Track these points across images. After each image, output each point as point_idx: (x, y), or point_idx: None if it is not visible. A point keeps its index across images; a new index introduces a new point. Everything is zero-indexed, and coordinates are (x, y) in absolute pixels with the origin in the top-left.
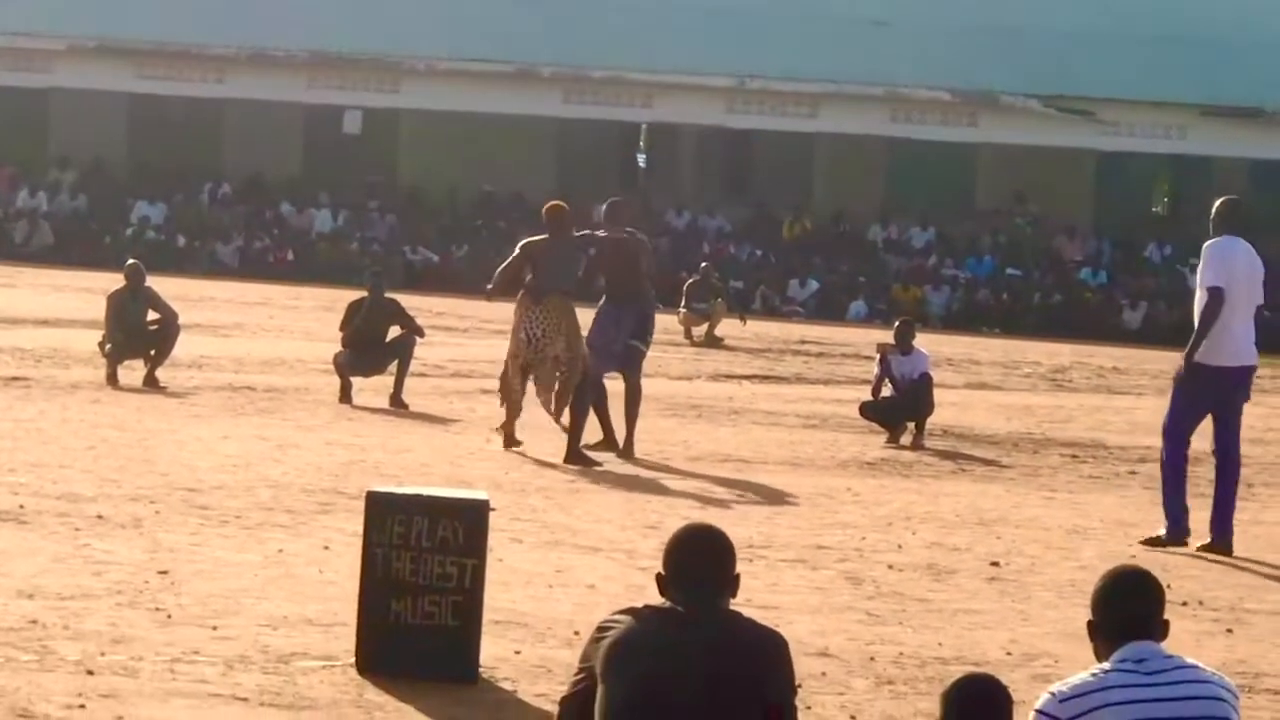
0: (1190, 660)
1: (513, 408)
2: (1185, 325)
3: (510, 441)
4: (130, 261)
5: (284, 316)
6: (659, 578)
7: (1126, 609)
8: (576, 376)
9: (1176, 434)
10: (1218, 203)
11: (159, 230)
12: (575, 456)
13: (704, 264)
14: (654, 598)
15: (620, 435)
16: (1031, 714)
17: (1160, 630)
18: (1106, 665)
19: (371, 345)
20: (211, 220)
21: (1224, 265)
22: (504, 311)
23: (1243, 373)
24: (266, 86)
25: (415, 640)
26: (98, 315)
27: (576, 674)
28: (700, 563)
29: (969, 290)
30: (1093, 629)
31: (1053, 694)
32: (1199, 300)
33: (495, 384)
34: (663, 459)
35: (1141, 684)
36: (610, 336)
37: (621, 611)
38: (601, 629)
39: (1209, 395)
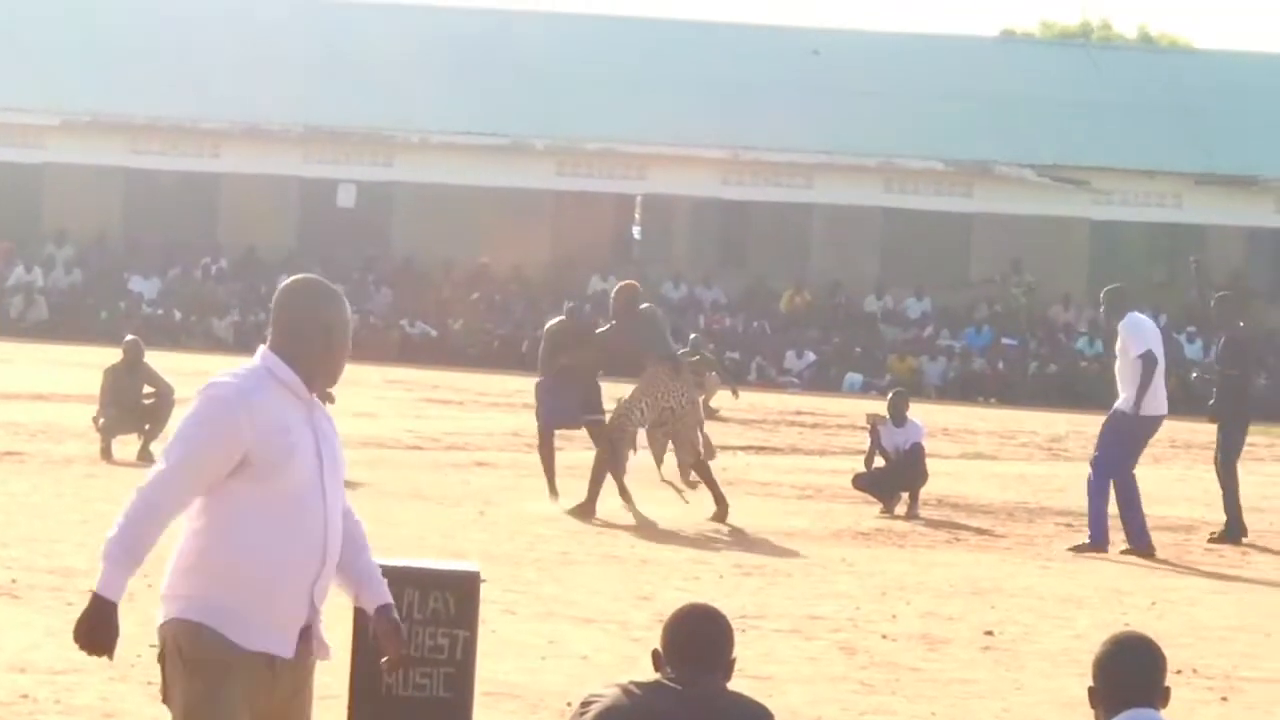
0: None
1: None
2: (1178, 395)
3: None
4: (129, 337)
5: None
6: (655, 654)
7: (1128, 675)
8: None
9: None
10: (1106, 291)
11: (154, 305)
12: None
13: (693, 335)
14: (648, 670)
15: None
16: None
17: (1161, 697)
18: None
19: None
20: (207, 295)
21: (1143, 335)
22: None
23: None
24: (261, 161)
25: (407, 713)
26: (92, 390)
27: None
28: (697, 643)
29: (965, 360)
30: (1093, 695)
31: None
32: (1133, 365)
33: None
34: (657, 529)
35: None
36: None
37: (608, 686)
38: (585, 703)
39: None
